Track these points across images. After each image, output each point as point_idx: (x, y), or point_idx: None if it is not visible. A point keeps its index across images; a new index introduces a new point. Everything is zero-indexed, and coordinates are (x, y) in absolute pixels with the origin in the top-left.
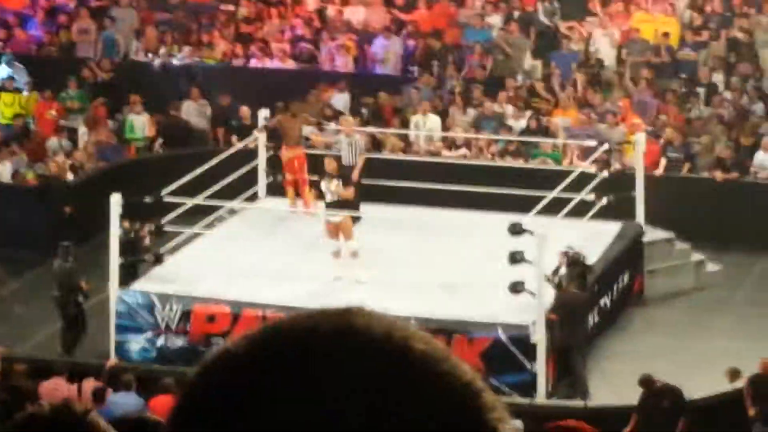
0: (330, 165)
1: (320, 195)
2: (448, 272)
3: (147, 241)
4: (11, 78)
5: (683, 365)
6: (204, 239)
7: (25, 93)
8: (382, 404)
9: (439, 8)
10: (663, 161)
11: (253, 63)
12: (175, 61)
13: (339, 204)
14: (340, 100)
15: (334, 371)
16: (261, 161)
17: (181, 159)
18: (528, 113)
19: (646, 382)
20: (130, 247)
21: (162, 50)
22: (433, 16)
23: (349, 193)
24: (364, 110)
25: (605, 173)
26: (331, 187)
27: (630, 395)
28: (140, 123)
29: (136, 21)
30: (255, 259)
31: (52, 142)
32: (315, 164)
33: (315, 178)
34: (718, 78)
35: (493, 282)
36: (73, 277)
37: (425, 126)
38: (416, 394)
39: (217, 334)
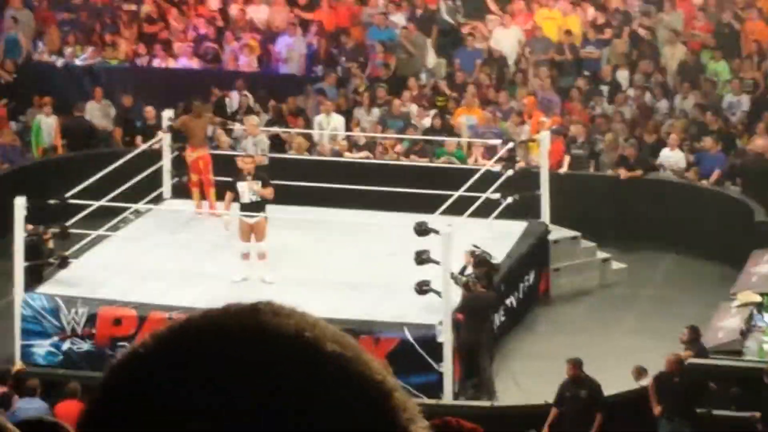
0: (246, 165)
1: (236, 196)
2: (354, 272)
3: (51, 244)
4: None
5: (589, 363)
6: (109, 241)
7: None
8: (291, 406)
9: (342, 7)
10: (567, 159)
11: (157, 63)
12: (78, 62)
13: (257, 205)
14: (236, 99)
15: (242, 373)
16: (166, 162)
17: (85, 160)
18: (432, 112)
19: (575, 363)
20: (33, 250)
21: (68, 51)
22: (336, 15)
23: (269, 192)
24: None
25: (510, 172)
26: (254, 187)
27: (537, 394)
28: (48, 125)
29: (34, 21)
30: (161, 260)
31: None
32: (219, 165)
33: (226, 178)
34: (622, 75)
35: (399, 282)
36: None
37: (329, 126)
38: (327, 396)
39: (124, 337)
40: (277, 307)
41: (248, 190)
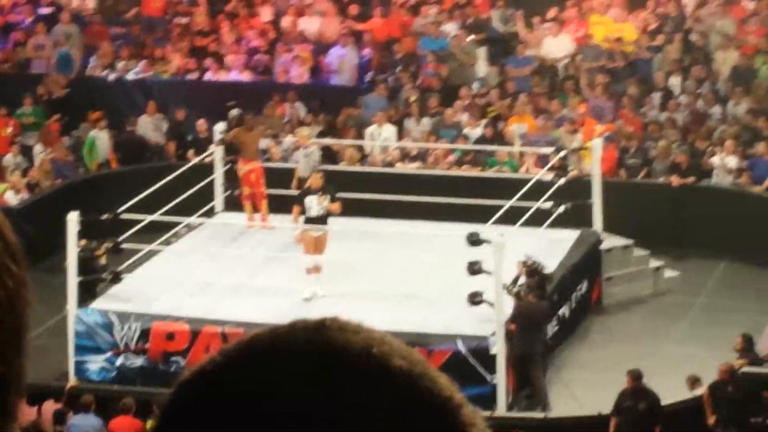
0: (316, 181)
1: (302, 210)
2: (407, 284)
3: (104, 259)
4: None
5: (643, 372)
6: (162, 256)
7: None
8: (360, 422)
9: (393, 17)
10: (621, 168)
11: (208, 76)
12: (130, 76)
13: (323, 219)
14: (288, 111)
15: (310, 389)
16: (218, 175)
17: (138, 175)
18: (484, 121)
19: (635, 374)
20: (86, 265)
21: (120, 65)
22: (387, 25)
23: (337, 207)
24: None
25: (562, 180)
26: (323, 202)
27: (590, 405)
28: (102, 140)
29: (85, 36)
30: (213, 274)
31: (8, 159)
32: (271, 177)
33: (279, 191)
34: (674, 81)
35: (452, 293)
36: None
37: (380, 137)
38: (395, 412)
39: (177, 352)
40: (343, 323)
41: (317, 204)
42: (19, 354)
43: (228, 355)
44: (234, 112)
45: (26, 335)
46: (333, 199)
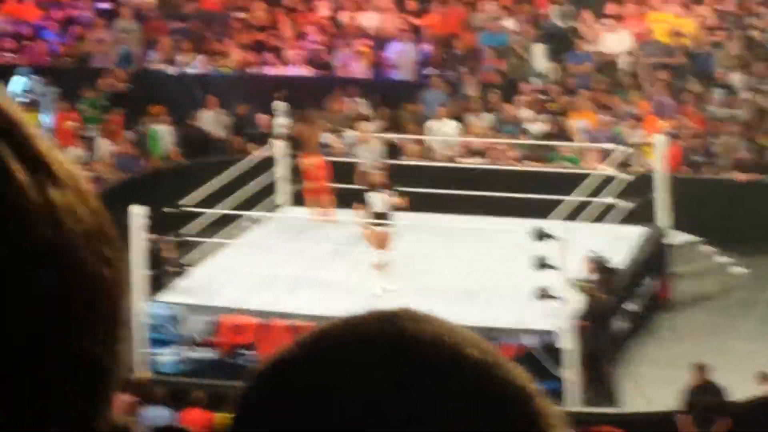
0: (377, 177)
1: (364, 206)
2: (473, 279)
3: (170, 252)
4: (28, 91)
5: (711, 368)
6: (227, 249)
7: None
8: (432, 411)
9: (452, 12)
10: (684, 164)
11: (268, 70)
12: (189, 70)
13: (387, 215)
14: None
15: (381, 379)
16: (281, 169)
17: (201, 168)
18: (544, 117)
19: (702, 368)
20: (152, 259)
21: (178, 59)
22: (446, 21)
23: (402, 201)
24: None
25: (625, 176)
26: (387, 198)
27: (659, 400)
28: (165, 133)
29: (145, 31)
30: (278, 268)
31: (73, 152)
32: (335, 171)
33: (341, 185)
34: (735, 78)
35: (519, 288)
36: None
37: (441, 131)
38: (468, 401)
39: (244, 345)
40: (415, 314)
41: (381, 200)
42: (118, 341)
43: (302, 345)
44: (281, 104)
45: (124, 322)
46: (396, 194)
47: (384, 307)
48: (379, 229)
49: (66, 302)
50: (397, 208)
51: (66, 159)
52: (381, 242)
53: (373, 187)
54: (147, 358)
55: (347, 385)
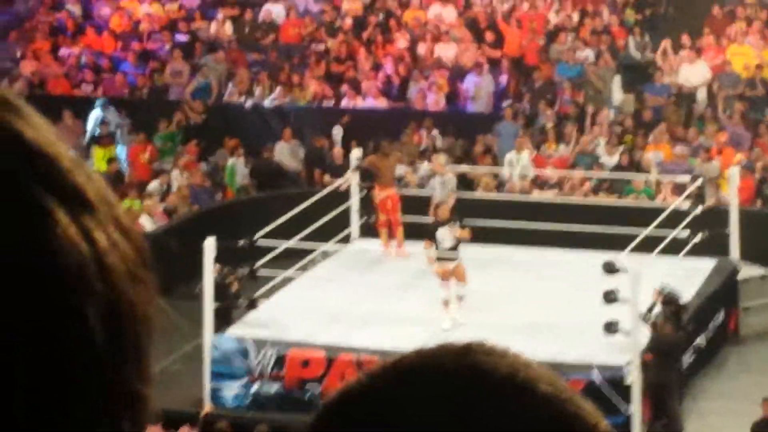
0: (444, 213)
1: (434, 243)
2: (542, 312)
3: (236, 285)
4: (104, 123)
5: None
6: (297, 282)
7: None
8: None
9: (530, 44)
10: (758, 196)
11: (344, 103)
12: (266, 103)
13: (454, 249)
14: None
15: (456, 413)
16: (354, 202)
17: (274, 201)
18: (620, 149)
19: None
20: (219, 291)
21: (257, 91)
22: (523, 52)
23: (466, 233)
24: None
25: (699, 209)
26: (454, 233)
27: None
28: (242, 167)
29: (225, 63)
30: (349, 301)
31: (154, 185)
32: (408, 204)
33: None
34: None
35: (587, 322)
36: None
37: (519, 163)
38: None
39: (312, 379)
40: (490, 347)
41: (448, 235)
42: (150, 371)
43: (373, 376)
44: (339, 130)
45: (148, 355)
46: (462, 227)
47: (455, 340)
48: (448, 263)
49: (116, 346)
50: (463, 241)
51: (102, 184)
52: (451, 275)
53: (442, 221)
54: (211, 392)
55: (416, 419)
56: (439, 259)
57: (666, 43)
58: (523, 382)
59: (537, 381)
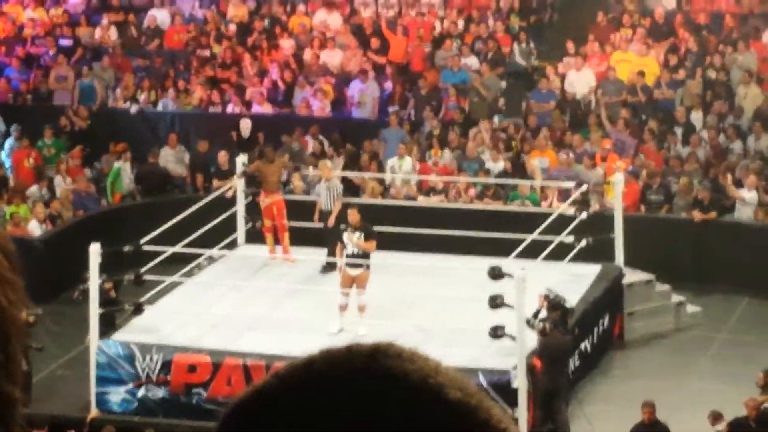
0: (354, 217)
1: (342, 246)
2: (428, 317)
3: (112, 293)
4: None
5: (664, 408)
6: (183, 288)
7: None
8: None
9: (415, 50)
10: (642, 202)
11: (230, 108)
12: (151, 108)
13: (359, 256)
14: (309, 144)
15: (366, 417)
16: (240, 208)
17: (160, 207)
18: (505, 155)
19: (651, 406)
20: (106, 297)
21: (141, 97)
22: (408, 58)
23: (371, 245)
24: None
25: (584, 215)
26: (353, 239)
27: None
28: (127, 172)
29: (105, 69)
30: (235, 307)
31: (33, 190)
32: (294, 210)
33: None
34: (696, 117)
35: (473, 326)
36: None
37: (401, 169)
38: None
39: (198, 384)
40: (399, 350)
41: (349, 241)
42: (18, 371)
43: (283, 376)
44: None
45: (18, 357)
46: (368, 236)
47: (325, 345)
48: (350, 272)
49: None
50: (366, 251)
51: None
52: (354, 284)
53: (347, 228)
54: (98, 396)
55: (328, 420)
56: (345, 262)
57: (548, 50)
58: (433, 388)
59: (447, 387)
